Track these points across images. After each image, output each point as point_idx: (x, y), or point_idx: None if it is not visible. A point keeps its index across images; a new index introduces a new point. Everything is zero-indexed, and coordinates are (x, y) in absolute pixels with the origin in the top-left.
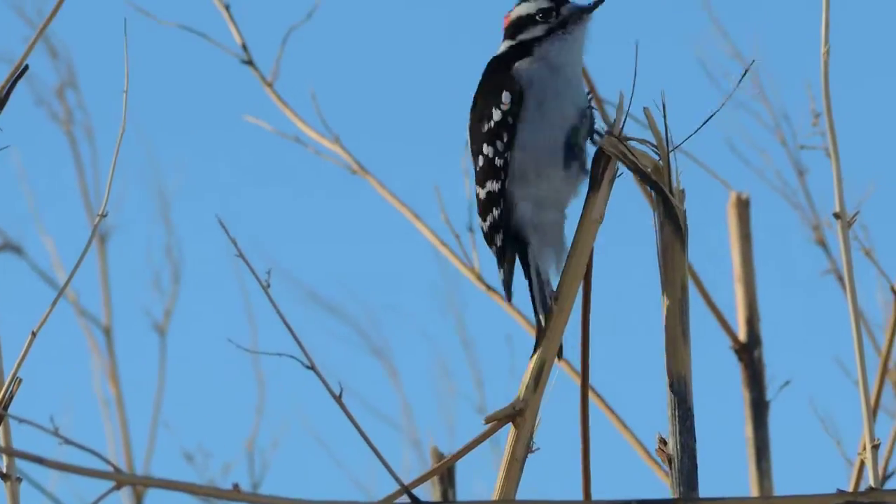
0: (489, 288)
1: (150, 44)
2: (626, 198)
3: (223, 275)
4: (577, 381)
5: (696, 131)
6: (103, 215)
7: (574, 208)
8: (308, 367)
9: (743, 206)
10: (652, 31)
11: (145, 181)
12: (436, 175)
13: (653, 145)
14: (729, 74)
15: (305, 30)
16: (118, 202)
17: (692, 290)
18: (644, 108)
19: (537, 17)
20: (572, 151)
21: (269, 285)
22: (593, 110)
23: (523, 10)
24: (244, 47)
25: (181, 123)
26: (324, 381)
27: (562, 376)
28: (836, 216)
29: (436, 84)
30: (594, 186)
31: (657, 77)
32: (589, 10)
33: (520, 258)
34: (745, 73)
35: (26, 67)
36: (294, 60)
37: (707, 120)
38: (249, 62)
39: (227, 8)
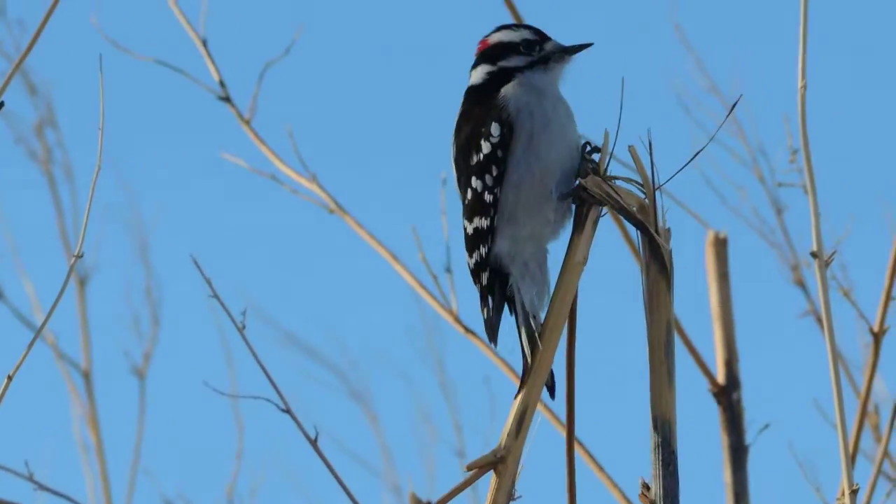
0: (467, 330)
1: (127, 80)
2: (610, 238)
3: (203, 316)
4: (559, 426)
5: (680, 170)
6: (79, 256)
7: (558, 250)
8: (283, 411)
9: (721, 245)
10: (628, 65)
11: (124, 220)
12: (413, 214)
13: (638, 184)
14: (706, 108)
15: (282, 66)
16: (97, 243)
17: None
18: (629, 146)
19: (521, 48)
20: (566, 187)
21: (244, 326)
22: (589, 149)
23: (505, 37)
24: (221, 84)
25: (159, 160)
26: (299, 425)
27: (543, 421)
28: (814, 255)
29: (413, 122)
30: (577, 228)
31: (635, 113)
32: (572, 51)
33: (502, 293)
34: (728, 114)
35: (2, 104)
36: (271, 97)
37: (691, 159)
38: (226, 99)
39: (205, 44)
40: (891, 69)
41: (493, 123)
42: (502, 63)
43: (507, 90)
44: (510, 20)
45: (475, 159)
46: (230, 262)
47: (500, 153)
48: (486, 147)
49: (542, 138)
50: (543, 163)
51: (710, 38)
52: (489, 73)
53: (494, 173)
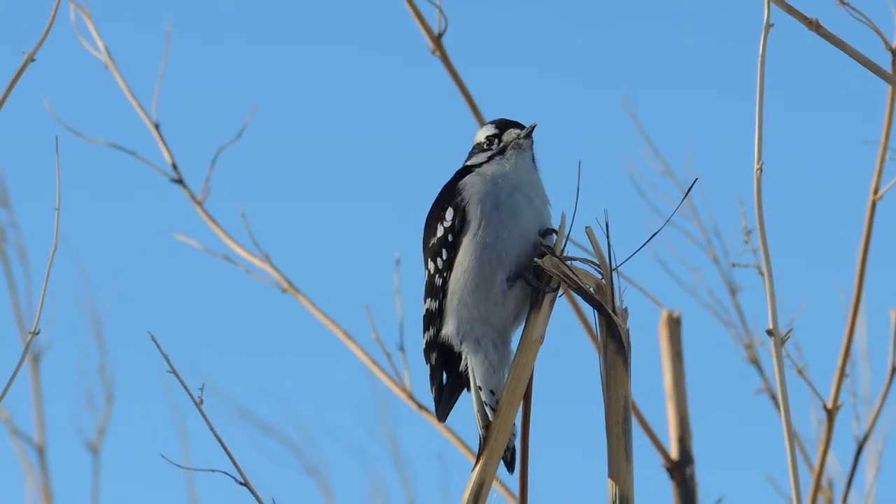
0: (420, 406)
1: (81, 162)
2: (568, 318)
3: (156, 392)
4: (515, 502)
5: (636, 251)
6: (35, 333)
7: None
8: (241, 483)
9: (674, 324)
10: (585, 149)
11: (78, 299)
12: (366, 293)
13: (595, 265)
14: (662, 191)
15: (235, 149)
16: (51, 321)
17: None
18: (586, 227)
19: (485, 145)
20: (517, 270)
21: (202, 401)
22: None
23: (478, 136)
24: (174, 166)
25: (112, 241)
26: (256, 497)
27: (498, 498)
28: (769, 333)
29: (365, 203)
30: (535, 307)
31: (592, 196)
32: (525, 135)
33: (457, 371)
34: (683, 197)
35: None
36: (224, 179)
37: (647, 241)
38: (179, 181)
39: (157, 127)
40: (841, 149)
41: (448, 209)
42: (468, 162)
43: (466, 179)
44: (469, 114)
45: (431, 242)
46: (183, 340)
47: (450, 238)
48: (440, 231)
49: (491, 225)
50: (491, 248)
51: (664, 123)
52: (459, 171)
53: (444, 257)
